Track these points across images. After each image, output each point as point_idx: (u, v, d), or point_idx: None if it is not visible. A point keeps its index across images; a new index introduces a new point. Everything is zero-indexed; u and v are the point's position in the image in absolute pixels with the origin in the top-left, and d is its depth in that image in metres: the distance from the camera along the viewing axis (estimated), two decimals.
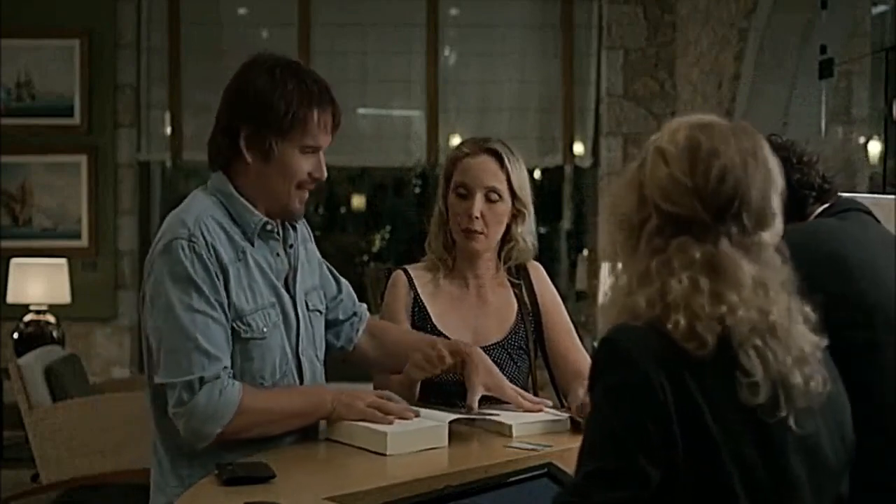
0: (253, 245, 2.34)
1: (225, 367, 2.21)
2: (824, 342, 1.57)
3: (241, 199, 2.34)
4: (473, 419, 2.43)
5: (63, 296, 6.56)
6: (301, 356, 2.39)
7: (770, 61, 5.53)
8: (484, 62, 7.63)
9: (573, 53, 7.53)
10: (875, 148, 5.54)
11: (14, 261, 6.63)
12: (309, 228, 2.57)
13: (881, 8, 5.37)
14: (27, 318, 6.47)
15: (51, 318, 6.48)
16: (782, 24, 5.54)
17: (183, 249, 2.22)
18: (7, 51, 7.21)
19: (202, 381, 2.18)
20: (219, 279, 2.24)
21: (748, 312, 1.49)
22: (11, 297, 6.57)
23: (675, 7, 7.31)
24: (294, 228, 2.44)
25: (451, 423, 2.31)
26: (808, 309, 1.57)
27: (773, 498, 1.49)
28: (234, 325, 2.26)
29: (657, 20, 7.40)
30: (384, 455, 2.19)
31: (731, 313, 1.49)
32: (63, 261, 6.68)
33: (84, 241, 7.29)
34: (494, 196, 2.75)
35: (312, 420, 2.33)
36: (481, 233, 2.77)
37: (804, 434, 1.51)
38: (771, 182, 1.56)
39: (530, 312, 2.86)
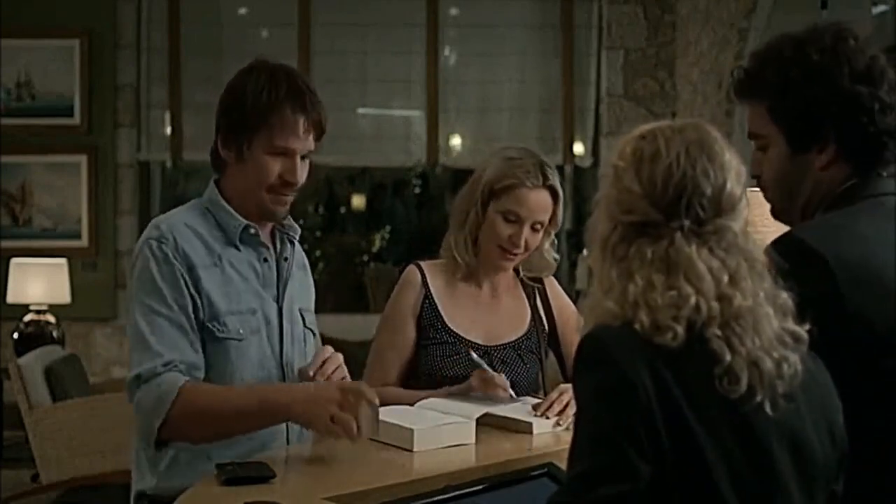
0: (238, 249, 2.35)
1: (167, 363, 2.20)
2: (805, 327, 1.58)
3: (225, 205, 2.37)
4: (499, 416, 2.46)
5: (63, 296, 6.56)
6: (286, 367, 2.37)
7: None
8: (484, 62, 7.63)
9: (573, 53, 7.53)
10: None
11: (14, 261, 6.62)
12: (307, 261, 2.58)
13: (881, 8, 5.36)
14: (27, 318, 6.46)
15: (51, 318, 6.48)
16: (782, 24, 5.54)
17: (151, 249, 2.27)
18: (7, 51, 7.20)
19: (139, 377, 2.21)
20: (185, 279, 2.26)
21: (707, 302, 1.52)
22: (11, 297, 6.57)
23: (675, 7, 7.31)
24: (292, 243, 2.45)
25: (477, 419, 2.36)
26: (784, 294, 1.59)
27: (757, 488, 1.50)
28: (210, 324, 2.27)
29: (657, 20, 7.40)
30: (411, 451, 2.22)
31: (685, 301, 1.52)
32: (63, 261, 6.68)
33: (84, 241, 7.29)
34: (538, 226, 2.79)
35: (271, 422, 2.25)
36: (518, 254, 2.80)
37: (783, 420, 1.52)
38: (723, 168, 1.59)
39: (543, 321, 2.89)
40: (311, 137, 2.33)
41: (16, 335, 6.41)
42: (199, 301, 2.27)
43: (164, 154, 7.55)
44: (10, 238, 7.21)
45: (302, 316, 2.44)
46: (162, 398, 2.18)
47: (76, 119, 7.31)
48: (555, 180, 2.78)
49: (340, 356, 2.37)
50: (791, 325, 1.58)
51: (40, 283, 6.50)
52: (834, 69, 1.84)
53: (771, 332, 1.55)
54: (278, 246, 2.44)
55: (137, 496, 2.36)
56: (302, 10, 7.52)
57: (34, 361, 5.17)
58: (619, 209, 1.61)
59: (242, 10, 7.72)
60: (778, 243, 1.76)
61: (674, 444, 1.47)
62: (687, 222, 1.57)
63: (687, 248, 1.56)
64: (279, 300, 2.39)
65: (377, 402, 2.14)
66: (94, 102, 7.31)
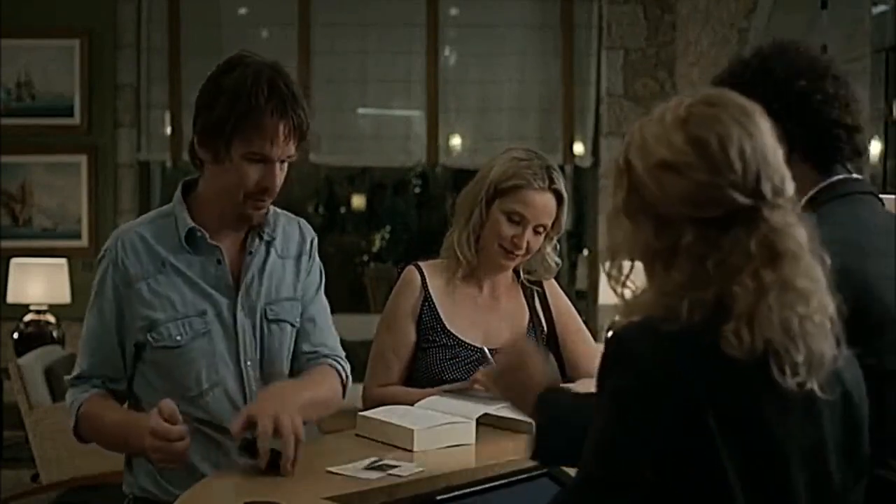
0: (190, 252, 2.33)
1: (80, 376, 2.35)
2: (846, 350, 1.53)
3: (181, 207, 2.35)
4: (499, 416, 2.46)
5: (63, 296, 6.56)
6: (244, 366, 2.34)
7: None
8: (484, 62, 7.62)
9: (573, 53, 7.53)
10: (875, 148, 5.53)
11: (14, 261, 6.62)
12: (312, 246, 2.49)
13: (881, 8, 5.36)
14: (27, 318, 6.46)
15: (51, 318, 6.48)
16: (782, 24, 5.54)
17: (102, 260, 2.38)
18: (7, 51, 7.20)
19: (68, 382, 2.40)
20: (118, 294, 2.32)
21: (809, 297, 1.44)
22: (11, 297, 6.57)
23: (675, 7, 7.31)
24: (260, 237, 2.38)
25: (477, 419, 2.37)
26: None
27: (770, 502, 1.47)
28: (148, 336, 2.30)
29: (657, 20, 7.40)
30: (411, 451, 2.22)
31: (807, 303, 1.43)
32: (63, 261, 6.68)
33: (84, 241, 7.29)
34: (541, 229, 2.79)
35: (132, 450, 2.33)
36: (519, 255, 2.80)
37: (804, 440, 1.48)
38: (770, 132, 1.51)
39: (542, 323, 2.89)
40: (291, 144, 2.25)
41: (16, 335, 6.41)
42: (134, 317, 2.30)
43: (164, 154, 7.55)
44: (10, 238, 7.20)
45: (266, 309, 2.36)
46: (72, 408, 2.36)
47: (76, 119, 7.30)
48: (560, 184, 2.78)
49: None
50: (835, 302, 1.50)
51: (40, 283, 6.50)
52: (770, 69, 1.86)
53: (830, 310, 1.48)
54: (247, 241, 2.37)
55: (127, 494, 2.40)
56: (302, 10, 7.51)
57: (34, 361, 5.17)
58: (691, 206, 1.45)
59: (242, 10, 7.71)
60: None
61: (691, 458, 1.42)
62: (769, 196, 1.46)
63: (786, 225, 1.45)
64: (235, 297, 2.34)
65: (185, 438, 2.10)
66: (94, 102, 7.31)
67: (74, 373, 2.37)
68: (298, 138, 2.27)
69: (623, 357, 1.46)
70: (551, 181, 2.76)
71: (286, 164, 2.29)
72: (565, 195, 2.80)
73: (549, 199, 2.77)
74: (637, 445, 1.42)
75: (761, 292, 1.43)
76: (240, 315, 2.34)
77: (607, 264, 1.57)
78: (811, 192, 1.88)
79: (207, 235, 2.33)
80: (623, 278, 1.56)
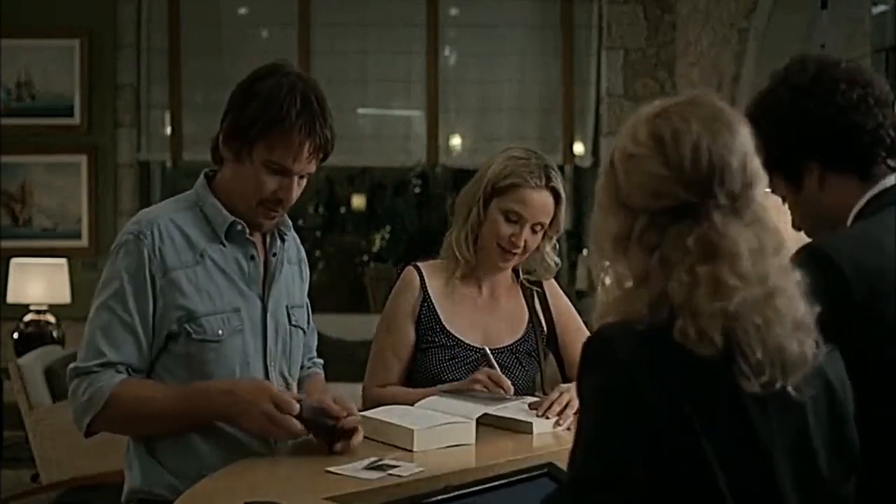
0: (224, 246, 2.33)
1: (105, 364, 2.23)
2: (816, 309, 1.55)
3: (213, 200, 2.34)
4: (499, 416, 2.47)
5: (63, 296, 6.56)
6: (269, 367, 2.36)
7: (770, 61, 5.54)
8: (484, 62, 7.63)
9: (573, 53, 7.53)
10: None
11: (14, 261, 6.63)
12: (304, 256, 2.56)
13: (881, 8, 5.36)
14: (27, 318, 6.46)
15: (51, 318, 6.48)
16: (782, 24, 5.54)
17: (127, 245, 2.27)
18: (7, 51, 7.20)
19: (76, 370, 2.27)
20: (153, 283, 2.25)
21: (748, 288, 1.47)
22: (11, 297, 6.57)
23: (675, 7, 7.31)
24: (282, 239, 2.42)
25: (477, 419, 2.37)
26: (798, 274, 1.55)
27: (757, 496, 1.48)
28: (186, 326, 2.26)
29: (657, 20, 7.40)
30: (411, 451, 2.22)
31: (729, 301, 1.46)
32: (63, 261, 6.68)
33: (84, 241, 7.29)
34: (539, 227, 2.79)
35: (199, 421, 2.26)
36: (517, 254, 2.79)
37: (786, 429, 1.49)
38: (742, 141, 1.54)
39: (542, 323, 2.89)
40: (313, 162, 2.30)
41: (16, 335, 6.42)
42: (169, 307, 2.25)
43: (164, 154, 7.55)
44: (10, 238, 7.21)
45: (288, 314, 2.42)
46: (95, 396, 2.24)
47: (76, 119, 7.31)
48: (557, 182, 2.78)
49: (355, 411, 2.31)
50: (811, 305, 1.53)
51: (40, 283, 6.50)
52: (790, 87, 1.89)
53: (798, 312, 1.50)
54: (268, 241, 2.41)
55: (128, 493, 2.37)
56: (302, 10, 7.52)
57: (34, 361, 5.17)
58: (645, 196, 1.53)
59: (242, 10, 7.72)
60: (796, 254, 1.71)
61: (676, 454, 1.43)
62: (722, 198, 1.50)
63: (728, 226, 1.49)
64: (264, 298, 2.36)
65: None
66: (94, 102, 7.32)
67: (92, 361, 2.24)
68: (322, 157, 2.32)
69: (604, 356, 1.48)
70: (548, 179, 2.76)
71: (304, 180, 2.32)
72: (563, 194, 2.80)
73: (546, 198, 2.77)
74: (626, 443, 1.43)
75: (693, 286, 1.47)
76: (268, 316, 2.36)
77: (593, 256, 1.63)
78: (861, 203, 1.88)
79: (247, 230, 2.34)
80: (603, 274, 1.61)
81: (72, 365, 2.28)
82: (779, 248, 1.53)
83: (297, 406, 2.16)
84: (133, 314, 2.24)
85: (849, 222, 1.89)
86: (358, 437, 2.22)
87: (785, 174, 1.92)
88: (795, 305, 1.51)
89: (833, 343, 1.57)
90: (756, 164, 1.54)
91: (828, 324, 1.56)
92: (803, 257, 1.71)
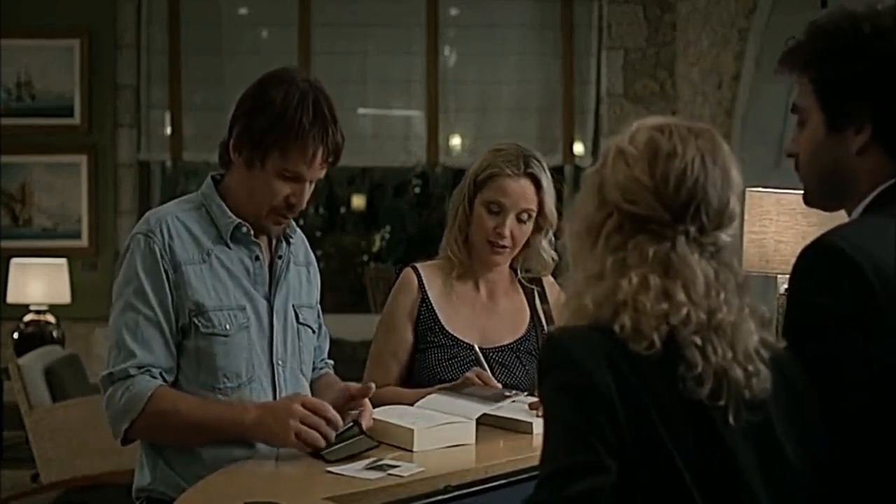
0: (229, 247, 2.34)
1: (141, 366, 2.23)
2: (781, 344, 1.59)
3: (219, 202, 2.36)
4: (499, 416, 2.47)
5: (63, 296, 6.56)
6: (276, 365, 2.37)
7: (770, 61, 5.53)
8: (484, 62, 7.62)
9: (573, 53, 7.53)
10: None
11: (14, 261, 6.63)
12: (313, 260, 2.57)
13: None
14: (27, 318, 6.47)
15: (51, 318, 6.48)
16: (782, 24, 5.54)
17: (139, 244, 2.29)
18: (7, 51, 7.20)
19: (111, 375, 2.25)
20: (168, 278, 2.27)
21: (696, 312, 1.51)
22: (11, 297, 6.57)
23: (675, 7, 7.31)
24: (287, 242, 2.43)
25: (477, 419, 2.37)
26: (764, 310, 1.59)
27: (723, 493, 1.50)
28: (196, 320, 2.28)
29: (657, 20, 7.40)
30: (411, 451, 2.22)
31: (675, 311, 1.51)
32: (63, 261, 6.68)
33: (84, 241, 7.29)
34: (524, 216, 2.77)
35: (229, 436, 2.25)
36: (506, 247, 2.78)
37: (749, 429, 1.52)
38: (729, 183, 1.58)
39: (543, 322, 2.88)
40: (325, 166, 2.33)
41: (16, 335, 6.42)
42: (182, 300, 2.28)
43: (164, 154, 7.55)
44: (10, 238, 7.20)
45: (296, 312, 2.43)
46: (131, 402, 2.23)
47: (76, 119, 7.31)
48: (536, 169, 2.76)
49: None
50: (768, 336, 1.58)
51: (40, 283, 6.50)
52: (883, 46, 1.70)
53: (749, 347, 1.54)
54: (273, 244, 2.42)
55: (136, 492, 2.39)
56: (302, 10, 7.51)
57: (34, 361, 5.18)
58: (622, 196, 1.57)
59: (242, 10, 7.72)
60: (810, 249, 1.66)
61: (641, 450, 1.46)
62: (692, 228, 1.55)
63: (689, 254, 1.54)
64: (270, 298, 2.38)
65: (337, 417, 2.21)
66: (94, 102, 7.31)
67: (124, 364, 2.23)
68: (333, 162, 2.34)
69: (560, 357, 1.52)
70: (527, 166, 2.75)
71: (313, 184, 2.35)
72: (543, 179, 2.77)
73: (525, 185, 2.75)
74: (593, 431, 1.45)
75: (641, 288, 1.52)
76: (274, 315, 2.38)
77: (568, 238, 1.67)
78: (878, 190, 1.73)
79: (252, 231, 2.35)
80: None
81: (104, 371, 2.27)
82: (739, 288, 1.57)
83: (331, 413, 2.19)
84: (156, 309, 2.27)
85: (860, 208, 1.75)
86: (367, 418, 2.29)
87: (828, 106, 1.74)
88: (746, 340, 1.55)
89: (850, 342, 1.57)
90: (736, 211, 1.59)
91: (846, 322, 1.56)
92: (816, 252, 1.65)
